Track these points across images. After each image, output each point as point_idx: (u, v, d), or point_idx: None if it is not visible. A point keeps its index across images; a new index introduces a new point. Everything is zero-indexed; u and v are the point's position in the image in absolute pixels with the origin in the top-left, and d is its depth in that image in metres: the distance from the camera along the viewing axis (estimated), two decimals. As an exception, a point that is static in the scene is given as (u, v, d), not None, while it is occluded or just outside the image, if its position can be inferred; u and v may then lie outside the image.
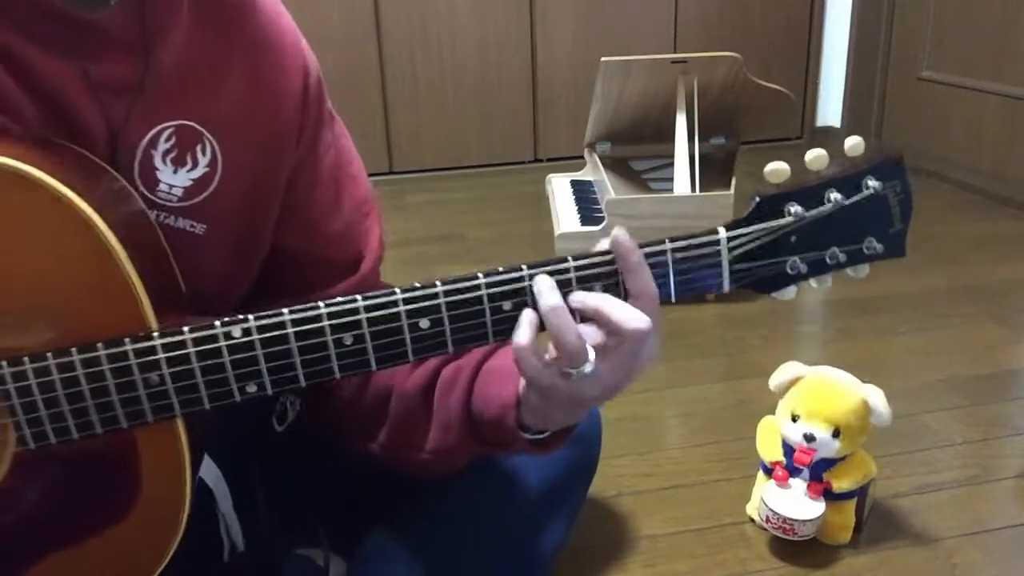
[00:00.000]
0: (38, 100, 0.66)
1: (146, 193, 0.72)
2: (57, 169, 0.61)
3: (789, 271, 0.67)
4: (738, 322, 1.85)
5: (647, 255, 0.65)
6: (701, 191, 1.93)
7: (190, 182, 0.73)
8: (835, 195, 0.65)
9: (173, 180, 0.72)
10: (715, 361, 1.69)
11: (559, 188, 2.33)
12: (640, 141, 2.35)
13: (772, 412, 1.18)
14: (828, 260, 0.67)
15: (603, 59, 2.05)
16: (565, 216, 2.13)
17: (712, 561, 1.12)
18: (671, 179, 1.97)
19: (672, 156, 1.99)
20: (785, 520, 1.09)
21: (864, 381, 1.13)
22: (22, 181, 0.60)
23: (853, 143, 0.66)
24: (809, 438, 1.10)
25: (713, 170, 2.12)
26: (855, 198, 0.66)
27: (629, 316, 0.63)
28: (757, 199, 0.65)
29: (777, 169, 0.66)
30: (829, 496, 1.10)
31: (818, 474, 1.11)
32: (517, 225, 2.59)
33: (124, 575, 0.68)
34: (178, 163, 0.72)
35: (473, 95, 3.13)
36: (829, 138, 3.30)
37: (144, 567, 0.68)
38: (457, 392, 0.76)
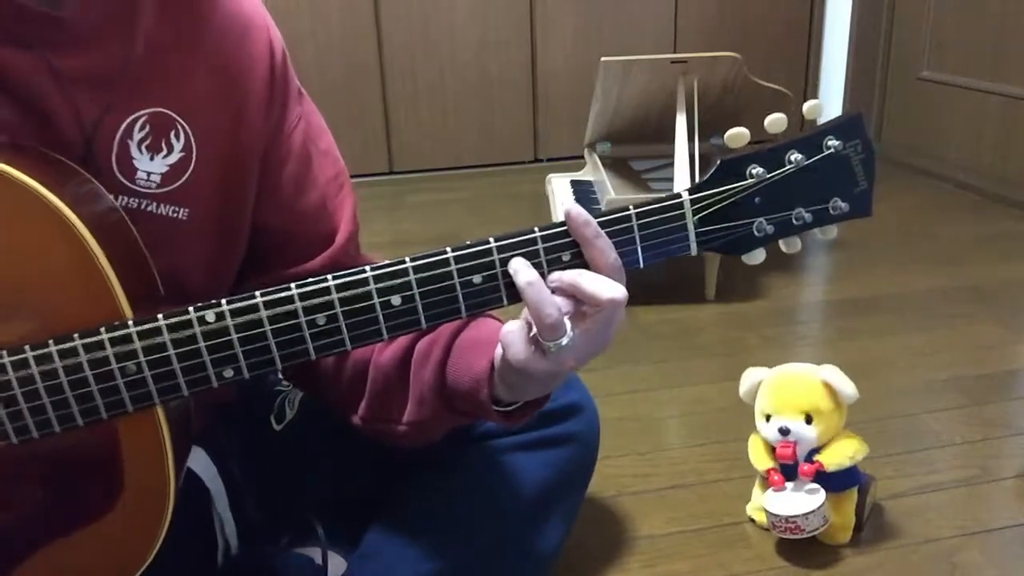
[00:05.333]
0: (9, 97, 0.67)
1: (125, 182, 0.73)
2: (31, 168, 0.62)
3: (756, 233, 0.67)
4: (738, 322, 1.85)
5: (612, 222, 0.66)
6: (701, 191, 1.93)
7: (167, 168, 0.74)
8: (796, 155, 0.66)
9: (150, 167, 0.73)
10: (715, 361, 1.69)
11: (559, 188, 2.32)
12: (640, 141, 2.35)
13: (772, 412, 1.18)
14: (794, 221, 0.68)
15: (603, 59, 2.05)
16: (565, 216, 2.12)
17: (712, 561, 1.12)
18: (671, 179, 1.97)
19: (672, 156, 1.99)
20: (788, 520, 1.09)
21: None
22: None
23: (811, 105, 0.68)
24: (784, 431, 1.11)
25: (713, 170, 2.12)
26: (816, 157, 0.67)
27: (605, 286, 0.64)
28: (718, 161, 0.67)
29: (737, 134, 0.67)
30: (830, 487, 1.10)
31: (808, 459, 1.11)
32: (517, 225, 2.55)
33: (114, 567, 0.68)
34: (153, 150, 0.73)
35: (473, 95, 3.13)
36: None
37: (133, 559, 0.68)
38: (431, 365, 0.77)
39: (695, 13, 3.20)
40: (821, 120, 0.70)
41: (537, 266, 0.65)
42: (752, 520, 1.19)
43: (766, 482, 1.14)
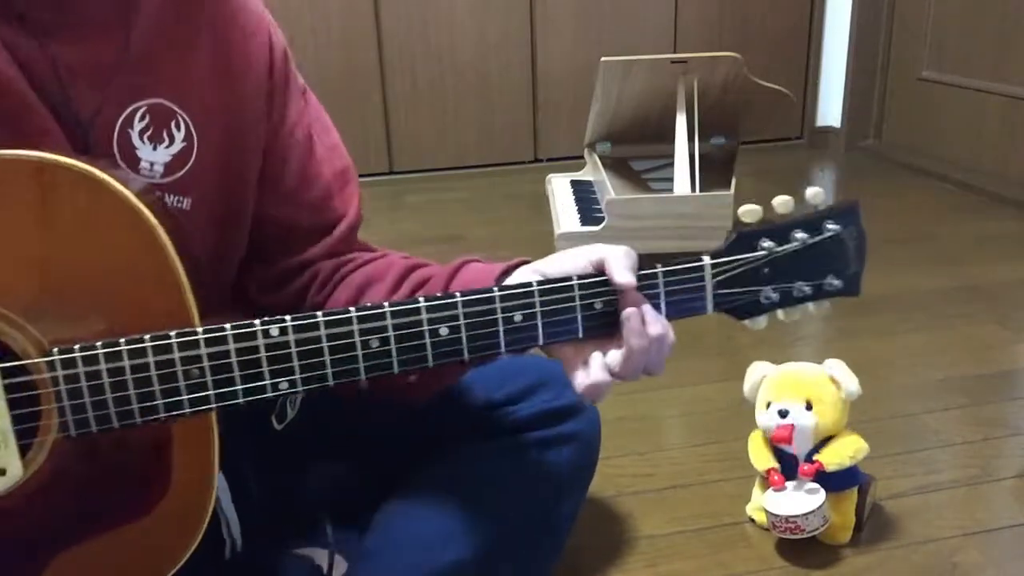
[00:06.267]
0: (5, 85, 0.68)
1: (129, 172, 0.74)
2: (103, 170, 0.64)
3: (763, 300, 0.74)
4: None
5: (640, 278, 0.70)
6: (701, 191, 1.93)
7: (170, 158, 0.75)
8: (800, 234, 0.73)
9: (153, 157, 0.75)
10: (715, 361, 1.69)
11: (559, 188, 2.33)
12: (640, 141, 2.35)
13: (772, 412, 1.18)
14: (795, 292, 0.74)
15: (603, 59, 2.05)
16: (565, 216, 2.13)
17: (712, 561, 1.12)
18: (671, 179, 1.97)
19: (672, 156, 1.99)
20: (788, 519, 1.09)
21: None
22: (82, 180, 0.63)
23: (813, 192, 0.74)
24: (783, 414, 1.12)
25: (713, 170, 2.12)
26: (817, 238, 0.74)
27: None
28: (734, 234, 0.73)
29: (750, 210, 0.74)
30: (829, 487, 1.10)
31: (809, 457, 1.11)
32: (517, 225, 2.59)
33: (148, 567, 0.70)
34: (155, 140, 0.75)
35: (473, 95, 3.13)
36: (829, 138, 3.30)
37: (167, 560, 0.69)
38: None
39: (695, 13, 3.20)
40: (822, 204, 0.75)
41: (571, 310, 0.70)
42: (752, 520, 1.19)
43: (766, 482, 1.14)
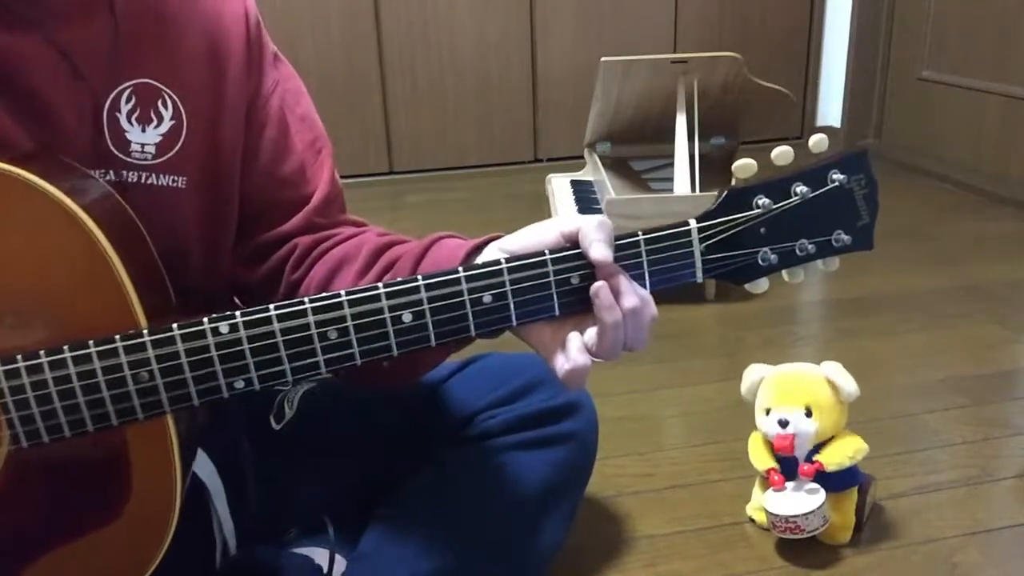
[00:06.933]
0: (7, 85, 0.67)
1: (120, 155, 0.73)
2: (44, 172, 0.63)
3: (760, 262, 0.68)
4: (738, 322, 1.85)
5: (620, 247, 0.66)
6: (701, 191, 1.93)
7: (160, 137, 0.75)
8: (802, 188, 0.68)
9: (143, 139, 0.74)
10: (715, 361, 1.69)
11: (559, 188, 2.33)
12: (640, 141, 2.35)
13: (772, 412, 1.18)
14: (798, 251, 0.69)
15: (603, 59, 2.05)
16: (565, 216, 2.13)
17: (712, 561, 1.12)
18: (671, 179, 1.97)
19: (672, 156, 1.99)
20: (788, 520, 1.09)
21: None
22: (15, 184, 0.61)
23: (816, 139, 0.69)
24: (783, 423, 1.11)
25: (713, 170, 2.12)
26: (821, 191, 0.68)
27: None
28: (725, 191, 0.68)
29: (744, 165, 0.68)
30: (830, 487, 1.10)
31: (809, 458, 1.11)
32: (517, 225, 2.54)
33: (119, 573, 0.69)
34: (143, 121, 0.74)
35: (473, 95, 3.13)
36: (829, 138, 3.29)
37: (137, 566, 0.68)
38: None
39: (695, 13, 3.20)
40: (826, 152, 0.71)
41: (545, 286, 0.65)
42: (752, 520, 1.19)
43: (766, 482, 1.14)
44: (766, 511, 1.11)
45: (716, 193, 0.68)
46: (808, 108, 3.35)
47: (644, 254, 0.66)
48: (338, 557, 0.91)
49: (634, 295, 0.65)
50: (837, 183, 0.68)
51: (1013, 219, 2.47)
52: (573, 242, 0.66)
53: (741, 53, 2.04)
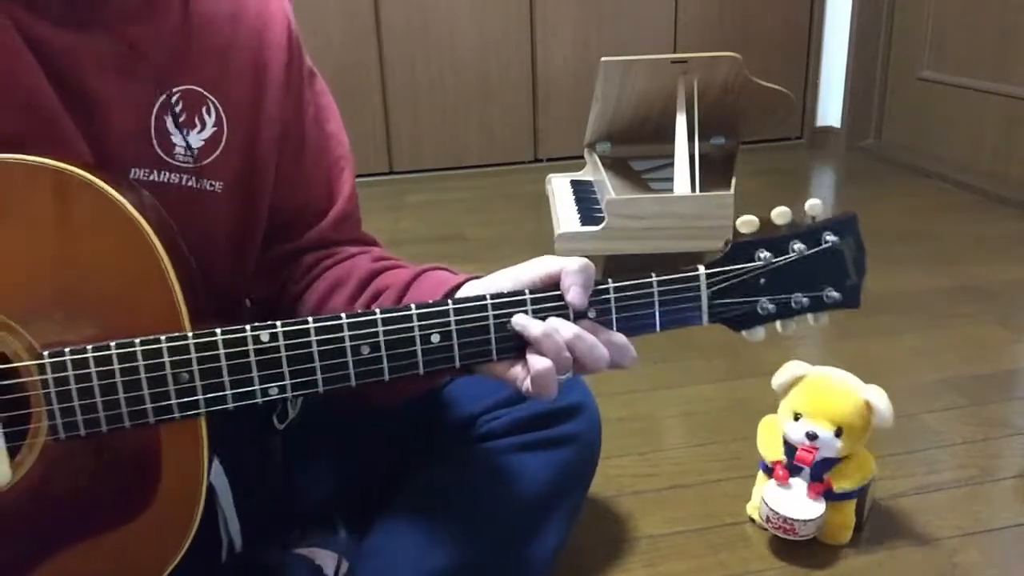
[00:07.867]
0: (58, 82, 0.69)
1: (164, 157, 0.75)
2: (102, 176, 0.65)
3: (759, 311, 0.74)
4: (738, 322, 1.85)
5: (634, 286, 0.71)
6: (701, 191, 1.93)
7: (202, 143, 0.77)
8: (798, 245, 0.73)
9: (187, 142, 0.76)
10: (715, 361, 1.69)
11: (559, 188, 2.32)
12: (640, 141, 2.35)
13: (772, 412, 1.18)
14: (792, 304, 0.74)
15: (603, 59, 2.05)
16: (565, 216, 2.13)
17: (712, 561, 1.12)
18: (671, 179, 1.97)
19: (672, 156, 1.99)
20: (786, 520, 1.09)
21: (864, 381, 1.13)
22: (76, 185, 0.64)
23: (812, 203, 0.73)
24: (812, 436, 1.10)
25: (713, 170, 2.12)
26: (815, 249, 0.74)
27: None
28: (731, 244, 0.73)
29: (747, 220, 0.73)
30: (830, 497, 1.10)
31: (819, 474, 1.11)
32: (517, 225, 2.59)
33: (136, 571, 0.70)
34: (188, 126, 0.76)
35: (473, 95, 3.13)
36: (829, 138, 3.30)
37: (158, 563, 0.69)
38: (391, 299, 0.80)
39: (695, 13, 3.20)
40: (821, 215, 0.75)
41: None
42: (752, 520, 1.19)
43: (768, 472, 1.14)
44: (763, 501, 1.11)
45: (723, 244, 0.74)
46: (808, 108, 3.36)
47: (656, 294, 0.72)
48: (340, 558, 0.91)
49: (584, 340, 0.69)
50: (830, 244, 0.73)
51: (1013, 219, 2.47)
52: (550, 284, 0.70)
53: (741, 53, 2.04)
